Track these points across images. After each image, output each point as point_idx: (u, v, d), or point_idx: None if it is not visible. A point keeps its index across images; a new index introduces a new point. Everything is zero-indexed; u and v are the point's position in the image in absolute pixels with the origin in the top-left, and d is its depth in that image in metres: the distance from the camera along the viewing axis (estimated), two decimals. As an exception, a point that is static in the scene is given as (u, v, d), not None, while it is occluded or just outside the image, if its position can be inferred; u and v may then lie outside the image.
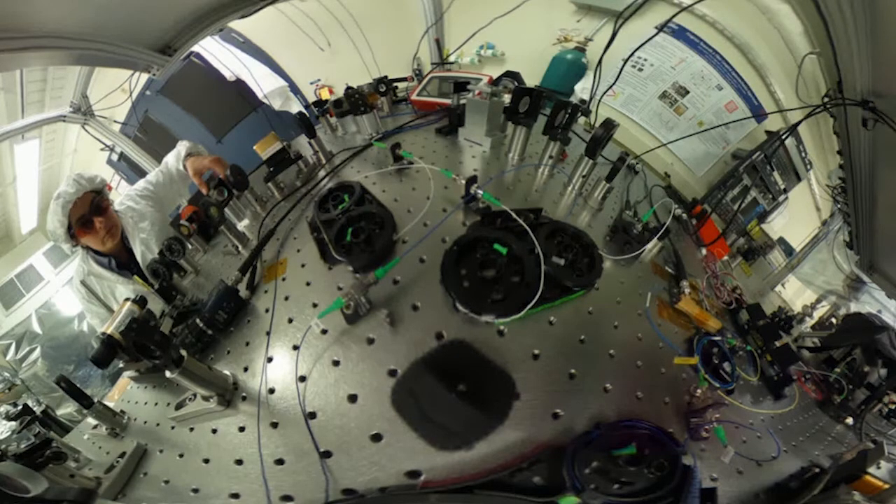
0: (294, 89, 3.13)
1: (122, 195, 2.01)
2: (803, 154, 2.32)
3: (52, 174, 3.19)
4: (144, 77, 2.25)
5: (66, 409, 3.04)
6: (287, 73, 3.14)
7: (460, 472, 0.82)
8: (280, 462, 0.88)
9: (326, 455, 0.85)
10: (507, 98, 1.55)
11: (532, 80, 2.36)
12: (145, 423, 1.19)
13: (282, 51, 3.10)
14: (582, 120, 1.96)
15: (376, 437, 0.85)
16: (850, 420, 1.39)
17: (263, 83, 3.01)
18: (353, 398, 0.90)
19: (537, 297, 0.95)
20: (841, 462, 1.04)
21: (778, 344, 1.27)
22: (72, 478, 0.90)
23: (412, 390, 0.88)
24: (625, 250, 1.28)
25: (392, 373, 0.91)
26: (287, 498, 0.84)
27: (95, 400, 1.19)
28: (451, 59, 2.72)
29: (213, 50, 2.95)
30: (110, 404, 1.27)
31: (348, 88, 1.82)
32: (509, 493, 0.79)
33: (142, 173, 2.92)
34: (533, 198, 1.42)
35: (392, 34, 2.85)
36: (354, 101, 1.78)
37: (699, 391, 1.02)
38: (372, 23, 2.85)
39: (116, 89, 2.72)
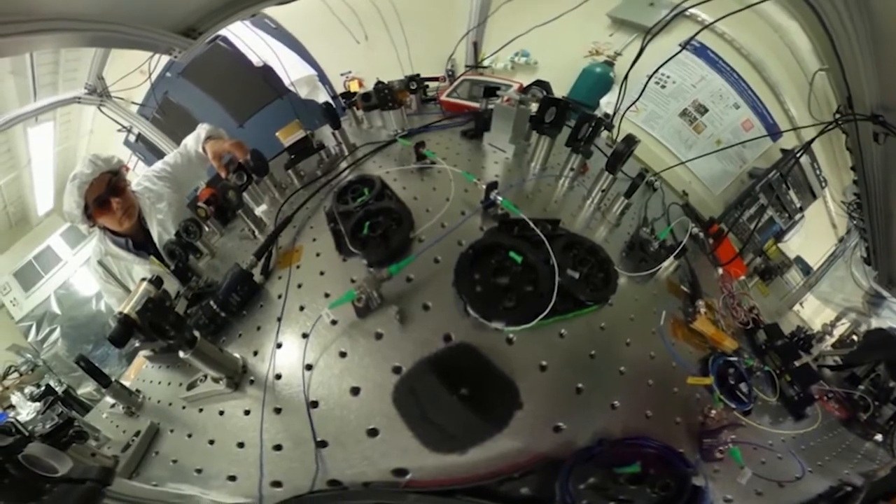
0: (323, 79, 3.06)
1: (139, 176, 2.01)
2: (818, 171, 2.31)
3: (67, 156, 3.17)
4: (165, 58, 2.15)
5: (86, 389, 3.07)
6: (317, 62, 3.07)
7: (448, 475, 0.81)
8: (278, 448, 0.89)
9: (322, 445, 0.86)
10: (534, 107, 1.54)
11: (561, 90, 2.33)
12: (158, 402, 1.21)
13: (315, 40, 3.04)
14: (604, 134, 1.94)
15: (373, 432, 0.85)
16: (879, 437, 1.35)
17: (291, 70, 2.95)
18: (355, 391, 0.91)
19: (549, 308, 0.95)
20: (875, 479, 1.02)
21: (797, 364, 1.25)
22: (93, 456, 0.90)
23: (414, 389, 0.88)
24: (640, 267, 1.27)
25: (397, 370, 0.91)
26: (277, 483, 0.84)
27: (113, 379, 1.20)
28: (486, 63, 2.68)
29: (240, 34, 2.89)
30: (127, 383, 1.29)
31: (378, 83, 1.79)
32: (493, 501, 0.78)
33: (159, 155, 2.89)
34: (551, 208, 1.42)
35: (431, 33, 2.79)
36: (383, 96, 1.77)
37: (714, 412, 1.00)
38: (414, 19, 2.80)
39: (134, 70, 2.64)
